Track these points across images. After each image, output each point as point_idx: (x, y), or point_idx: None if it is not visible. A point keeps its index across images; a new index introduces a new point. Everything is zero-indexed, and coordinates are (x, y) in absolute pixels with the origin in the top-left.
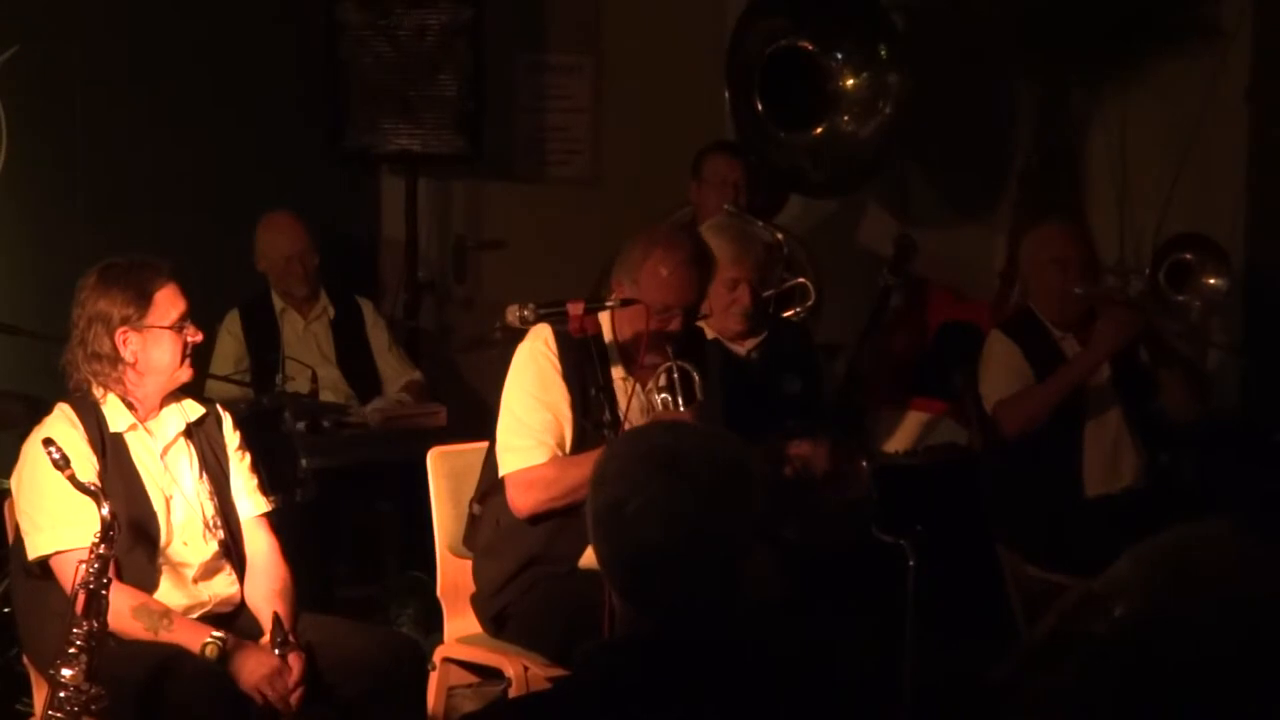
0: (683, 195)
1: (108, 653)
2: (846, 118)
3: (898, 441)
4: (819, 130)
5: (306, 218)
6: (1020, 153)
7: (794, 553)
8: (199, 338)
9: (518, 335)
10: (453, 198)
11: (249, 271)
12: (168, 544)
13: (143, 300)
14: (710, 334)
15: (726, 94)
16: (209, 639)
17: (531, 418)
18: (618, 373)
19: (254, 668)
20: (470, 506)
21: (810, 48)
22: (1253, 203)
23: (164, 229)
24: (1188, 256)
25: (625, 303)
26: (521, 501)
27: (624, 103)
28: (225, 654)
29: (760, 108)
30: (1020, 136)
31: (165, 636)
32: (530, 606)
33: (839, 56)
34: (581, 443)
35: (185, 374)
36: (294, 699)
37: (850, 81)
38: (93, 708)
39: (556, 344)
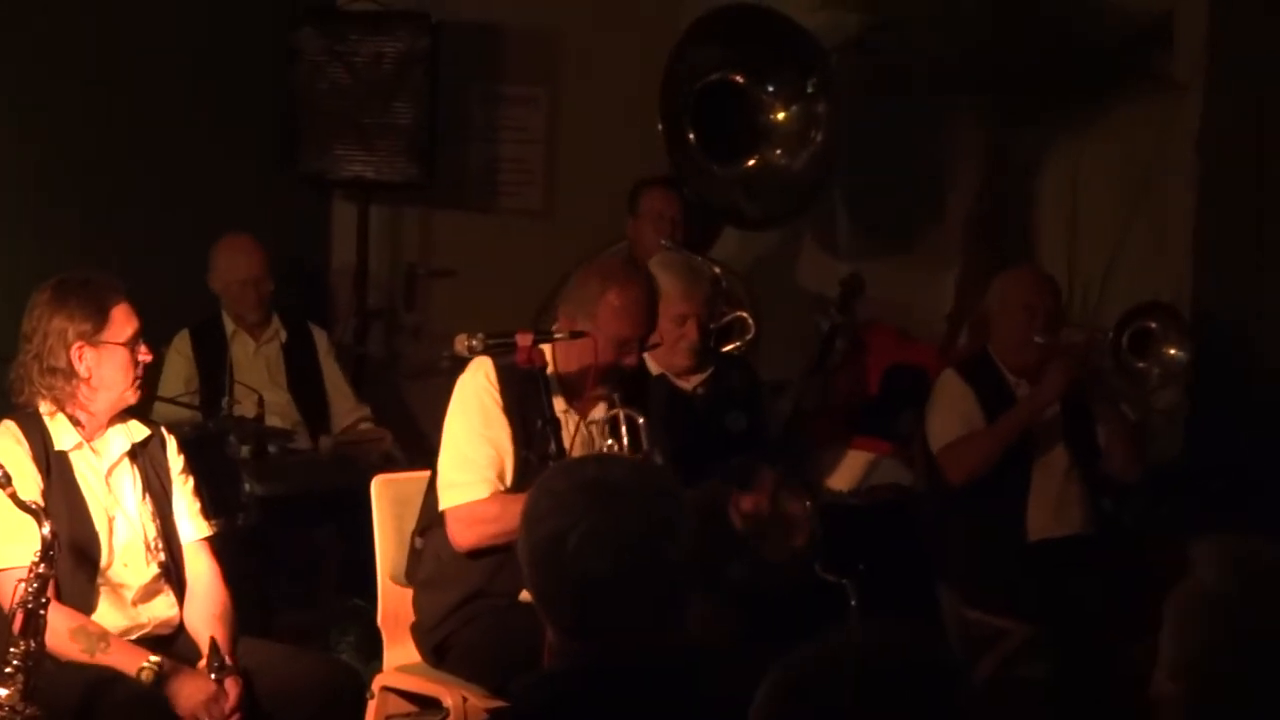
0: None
1: (44, 673)
2: (779, 150)
3: (842, 481)
4: (751, 162)
5: (259, 241)
6: (970, 196)
7: (736, 591)
8: (149, 358)
9: (466, 364)
10: (405, 225)
11: (200, 293)
12: (108, 565)
13: (100, 316)
14: (656, 369)
15: (659, 127)
16: (145, 663)
17: (474, 452)
18: (559, 404)
19: (191, 693)
20: (412, 540)
21: (741, 81)
22: (1201, 251)
23: (116, 248)
24: (1152, 324)
25: (575, 335)
26: (462, 537)
27: (577, 135)
28: (162, 678)
29: (693, 140)
30: (970, 179)
31: (102, 659)
32: (471, 638)
33: (770, 89)
34: (524, 476)
35: (133, 396)
36: None
37: (781, 114)
38: None
39: (498, 377)
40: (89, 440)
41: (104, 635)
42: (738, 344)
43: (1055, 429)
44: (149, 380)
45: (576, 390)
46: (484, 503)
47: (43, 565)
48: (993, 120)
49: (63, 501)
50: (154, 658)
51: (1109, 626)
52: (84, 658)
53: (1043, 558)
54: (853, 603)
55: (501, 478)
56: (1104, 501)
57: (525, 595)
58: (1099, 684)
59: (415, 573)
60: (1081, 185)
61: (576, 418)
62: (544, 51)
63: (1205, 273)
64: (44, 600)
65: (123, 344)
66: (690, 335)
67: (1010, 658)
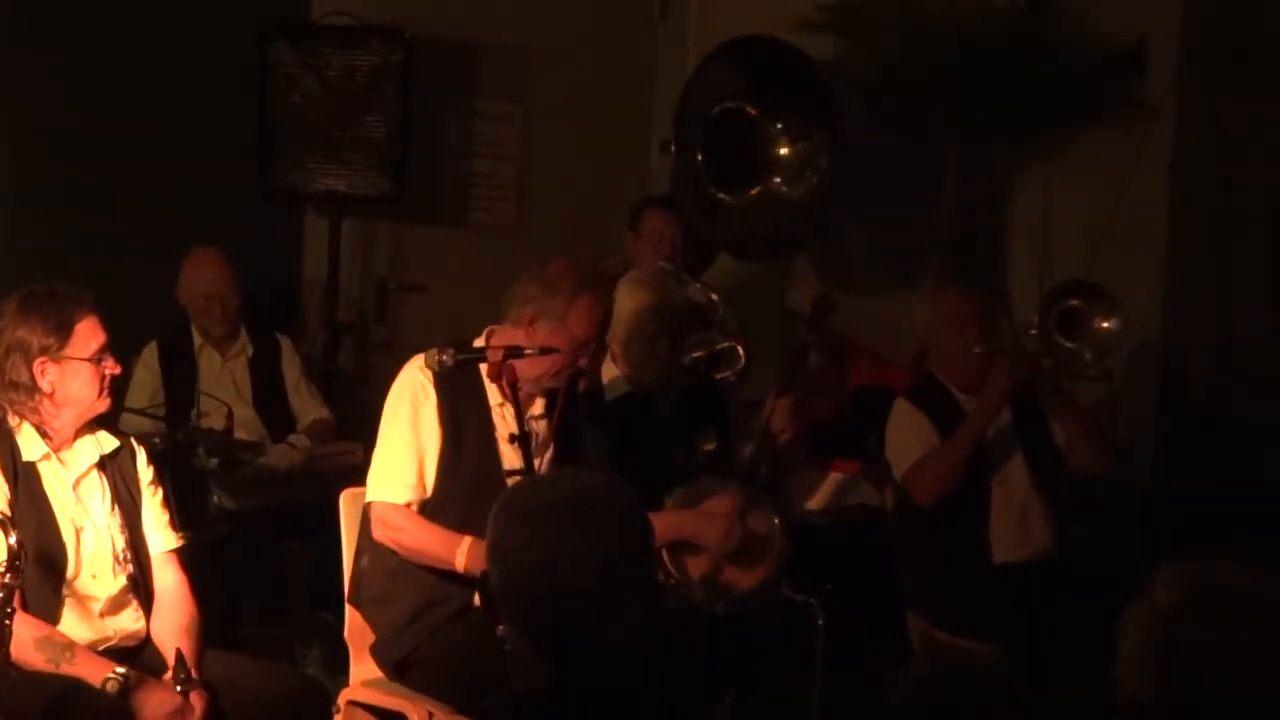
0: (605, 244)
1: (9, 683)
2: (779, 179)
3: (811, 500)
4: (754, 191)
5: (229, 254)
6: (942, 219)
7: (702, 610)
8: (117, 370)
9: (436, 378)
10: (376, 239)
11: (169, 305)
12: (75, 575)
13: (63, 331)
14: (626, 385)
15: (672, 147)
16: (110, 675)
17: (398, 453)
18: (494, 397)
19: (156, 705)
20: (356, 560)
21: (754, 113)
22: (1172, 273)
23: (86, 259)
24: (1075, 303)
25: (546, 351)
26: (379, 534)
27: (551, 152)
28: (127, 690)
29: (701, 163)
30: (943, 202)
31: (67, 669)
32: (434, 654)
33: (779, 126)
34: (448, 479)
35: (102, 405)
36: None
37: (784, 150)
38: None
39: (434, 381)
40: (57, 451)
41: (70, 645)
42: (728, 374)
43: (1010, 439)
44: (116, 393)
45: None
46: (398, 510)
47: (8, 575)
48: (965, 144)
49: (30, 511)
50: (120, 669)
51: (1073, 649)
52: (49, 668)
53: (1008, 579)
54: (820, 622)
55: (422, 482)
56: (1071, 523)
57: (478, 600)
58: (1065, 706)
59: (359, 593)
60: (1053, 209)
61: (510, 411)
62: (518, 67)
63: (1177, 296)
64: (9, 610)
65: (87, 359)
66: (662, 353)
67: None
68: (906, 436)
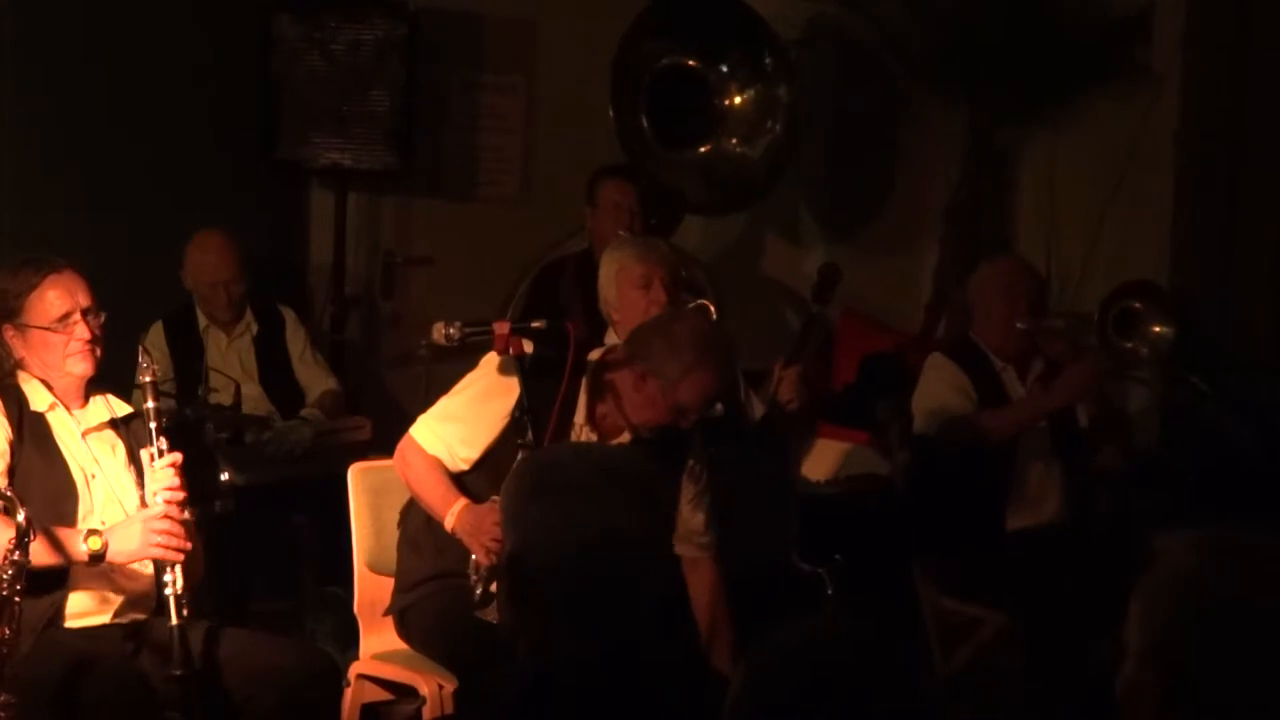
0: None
1: (19, 657)
2: (734, 139)
3: (818, 470)
4: (705, 149)
5: (234, 230)
6: (947, 186)
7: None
8: (88, 335)
9: (443, 352)
10: (382, 213)
11: (175, 282)
12: (85, 519)
13: (18, 300)
14: None
15: (611, 114)
16: (88, 535)
17: (461, 417)
18: (579, 418)
19: (126, 543)
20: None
21: (695, 65)
22: (1178, 242)
23: (90, 237)
24: (1136, 305)
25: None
26: (396, 460)
27: (556, 124)
28: (104, 546)
29: (646, 127)
30: (947, 170)
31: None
32: (426, 620)
33: (724, 69)
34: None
35: (80, 367)
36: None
37: (739, 98)
38: (2, 714)
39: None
40: (64, 403)
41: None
42: None
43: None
44: (124, 371)
45: (606, 424)
46: (423, 453)
47: (17, 553)
48: (969, 110)
49: (38, 458)
50: (95, 532)
51: (1083, 617)
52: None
53: (1019, 547)
54: (829, 592)
55: (454, 456)
56: (1082, 492)
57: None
58: (1074, 674)
59: (406, 522)
60: (1059, 176)
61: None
62: (523, 40)
63: (1182, 263)
64: (18, 588)
65: (45, 327)
66: (658, 298)
67: (986, 646)
68: (943, 388)
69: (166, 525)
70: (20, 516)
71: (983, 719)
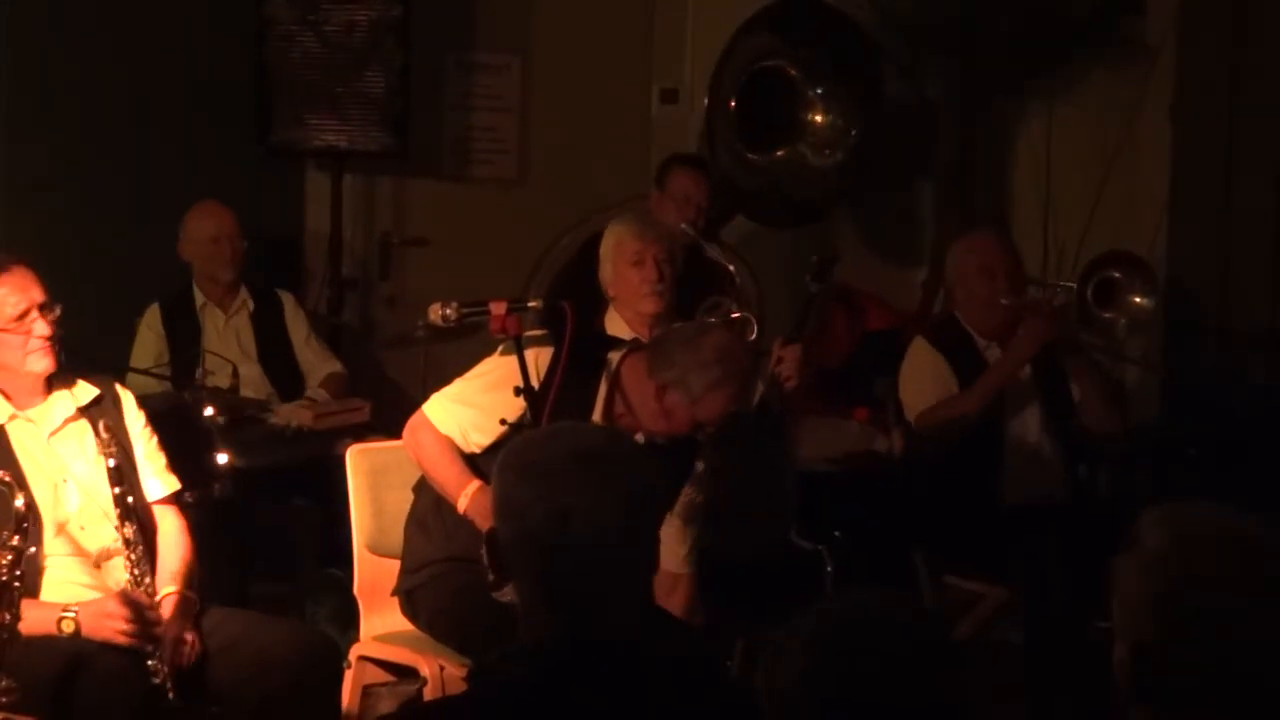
0: (606, 196)
1: (19, 647)
2: (808, 153)
3: (817, 448)
4: (780, 153)
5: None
6: (942, 161)
7: (711, 559)
8: (47, 331)
9: (440, 333)
10: (378, 194)
11: (171, 266)
12: (59, 531)
13: None
14: (628, 333)
15: (705, 101)
16: (63, 615)
17: (469, 403)
18: (596, 415)
19: (93, 617)
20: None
21: (795, 74)
22: (1174, 217)
23: (87, 221)
24: (1116, 274)
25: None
26: (406, 437)
27: (551, 103)
28: (78, 626)
29: (734, 116)
30: (942, 145)
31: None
32: (439, 601)
33: (819, 91)
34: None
35: (39, 366)
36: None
37: (818, 118)
38: (3, 700)
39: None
40: (22, 410)
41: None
42: None
43: (1028, 388)
44: (119, 353)
45: (622, 424)
46: (435, 433)
47: (16, 538)
48: (965, 85)
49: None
50: (71, 608)
51: (1081, 592)
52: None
53: (1017, 522)
54: (829, 569)
55: (467, 439)
56: (1079, 466)
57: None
58: (1073, 648)
59: (418, 499)
60: (1055, 149)
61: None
62: (517, 19)
63: (1178, 236)
64: (17, 574)
65: (2, 328)
66: (650, 275)
67: (986, 621)
68: (922, 378)
69: (126, 614)
70: (19, 501)
71: (983, 694)
